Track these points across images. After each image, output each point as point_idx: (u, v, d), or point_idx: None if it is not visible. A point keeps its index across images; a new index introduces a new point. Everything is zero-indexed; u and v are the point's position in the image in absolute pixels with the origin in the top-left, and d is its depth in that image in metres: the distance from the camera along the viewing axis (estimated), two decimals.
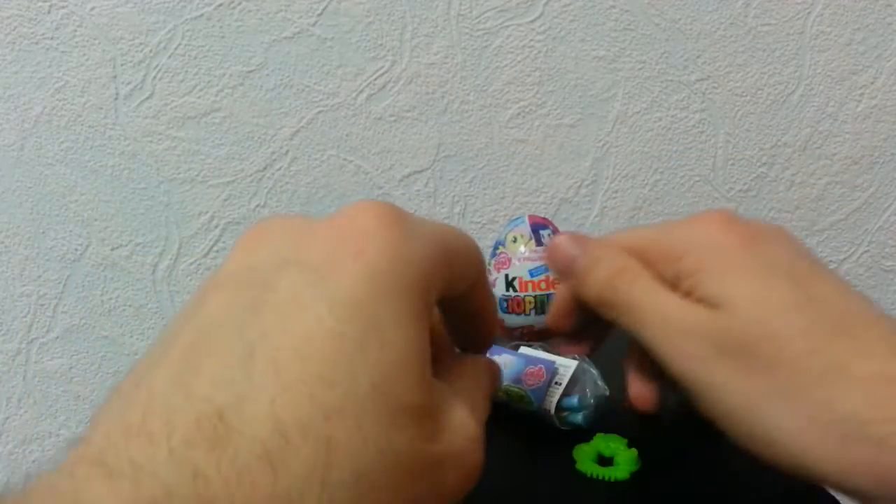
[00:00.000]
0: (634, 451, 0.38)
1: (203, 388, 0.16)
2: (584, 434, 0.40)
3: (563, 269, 0.29)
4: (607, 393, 0.42)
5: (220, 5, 0.68)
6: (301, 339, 0.17)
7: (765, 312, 0.23)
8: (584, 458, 0.38)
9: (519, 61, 0.71)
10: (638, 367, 0.30)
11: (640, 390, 0.30)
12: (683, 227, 0.27)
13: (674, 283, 0.26)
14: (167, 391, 0.16)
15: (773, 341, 0.23)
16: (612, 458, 0.38)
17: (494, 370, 0.26)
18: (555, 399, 0.41)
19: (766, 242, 0.25)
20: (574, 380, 0.42)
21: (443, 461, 0.18)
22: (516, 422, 0.43)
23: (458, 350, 0.27)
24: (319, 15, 0.69)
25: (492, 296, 0.26)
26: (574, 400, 0.41)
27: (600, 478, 0.36)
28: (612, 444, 0.39)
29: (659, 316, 0.25)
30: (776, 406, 0.22)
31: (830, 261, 0.78)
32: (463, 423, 0.20)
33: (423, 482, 0.17)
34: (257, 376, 0.16)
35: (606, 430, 0.40)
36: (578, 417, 0.41)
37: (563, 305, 0.31)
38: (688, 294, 0.25)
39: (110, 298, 0.73)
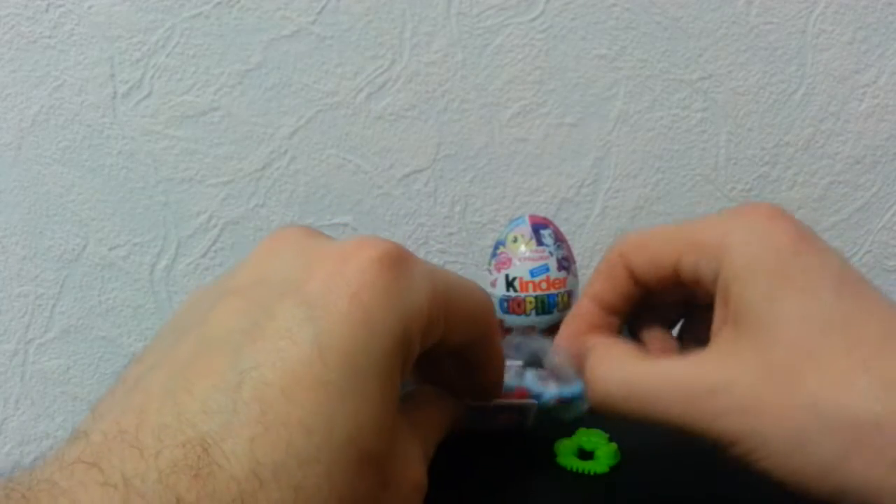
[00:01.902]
0: (615, 445, 0.39)
1: (192, 411, 0.16)
2: (566, 429, 0.41)
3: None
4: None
5: (219, 3, 0.68)
6: (289, 379, 0.17)
7: (810, 331, 0.22)
8: (566, 451, 0.39)
9: (519, 60, 0.71)
10: None
11: None
12: (725, 215, 0.26)
13: (703, 280, 0.25)
14: (161, 403, 0.17)
15: (817, 361, 0.21)
16: (592, 451, 0.38)
17: (451, 409, 0.27)
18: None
19: (816, 241, 0.24)
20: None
21: None
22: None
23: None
24: (318, 13, 0.69)
25: (499, 352, 0.26)
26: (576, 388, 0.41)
27: (580, 471, 0.37)
28: (593, 438, 0.39)
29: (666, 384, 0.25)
30: (826, 435, 0.21)
31: None
32: (416, 471, 0.20)
33: None
34: (242, 409, 0.16)
35: (589, 425, 0.41)
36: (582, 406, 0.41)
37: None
38: (724, 303, 0.24)
39: (108, 299, 0.73)
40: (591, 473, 0.37)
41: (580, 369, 0.28)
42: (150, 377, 0.18)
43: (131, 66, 0.68)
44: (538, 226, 0.59)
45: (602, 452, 0.38)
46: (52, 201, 0.71)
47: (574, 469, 0.38)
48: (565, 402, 0.41)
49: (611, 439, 0.39)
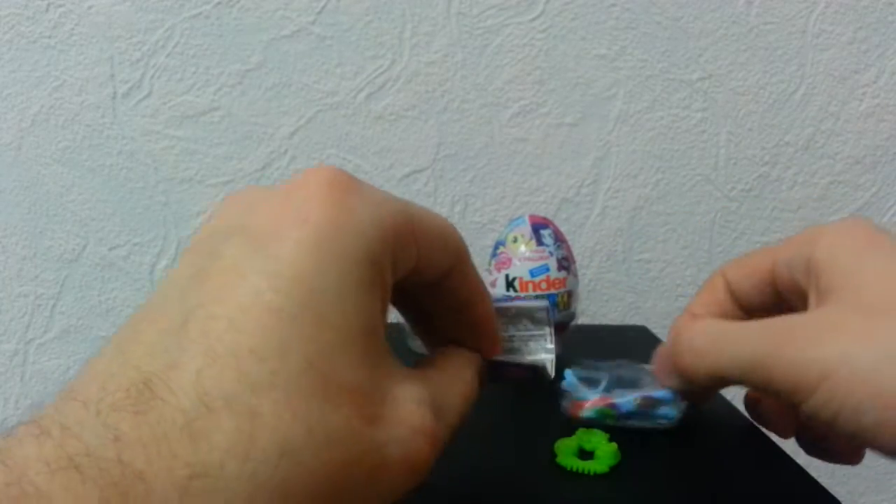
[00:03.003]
0: (615, 445, 0.39)
1: (137, 355, 0.16)
2: (567, 429, 0.41)
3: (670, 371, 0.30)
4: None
5: (219, 3, 0.67)
6: (237, 310, 0.16)
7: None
8: (566, 451, 0.38)
9: (519, 60, 0.71)
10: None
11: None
12: (813, 227, 0.28)
13: (796, 271, 0.26)
14: (110, 357, 0.16)
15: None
16: (592, 451, 0.39)
17: (476, 365, 0.24)
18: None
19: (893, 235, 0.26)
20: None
21: (383, 448, 0.17)
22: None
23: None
24: (318, 13, 0.69)
25: (481, 285, 0.24)
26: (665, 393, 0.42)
27: (580, 471, 0.37)
28: (593, 438, 0.39)
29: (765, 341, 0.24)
30: None
31: None
32: (412, 412, 0.19)
33: (358, 467, 0.17)
34: (188, 345, 0.16)
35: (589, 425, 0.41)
36: (672, 412, 0.41)
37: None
38: (816, 285, 0.25)
39: (108, 299, 0.73)
40: (591, 473, 0.37)
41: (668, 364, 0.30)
42: (108, 342, 0.17)
43: (131, 66, 0.68)
44: (538, 226, 0.59)
45: (602, 452, 0.38)
46: (52, 201, 0.71)
47: (574, 469, 0.37)
48: (650, 402, 0.42)
49: (611, 439, 0.39)
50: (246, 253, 0.17)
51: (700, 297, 0.31)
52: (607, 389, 0.43)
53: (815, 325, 0.23)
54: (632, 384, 0.43)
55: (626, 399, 0.42)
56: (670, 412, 0.42)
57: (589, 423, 0.41)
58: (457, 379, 0.23)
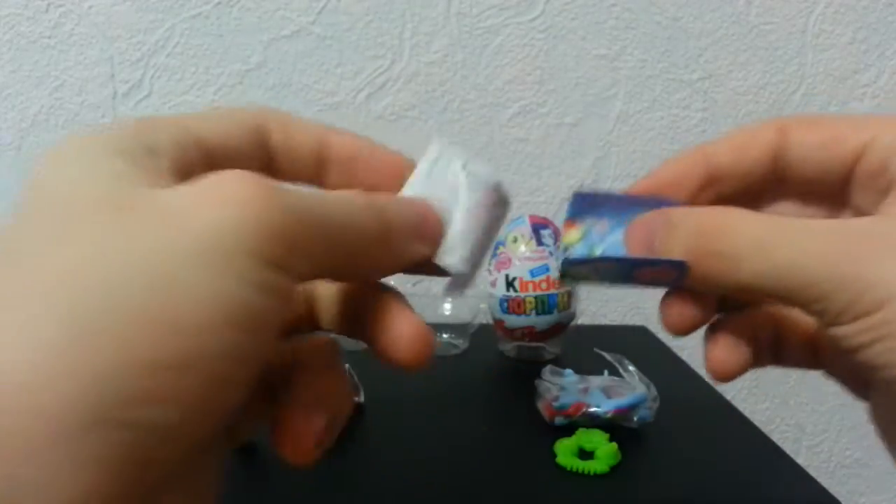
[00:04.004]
0: (615, 445, 0.39)
1: None
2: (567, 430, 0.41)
3: (648, 248, 0.22)
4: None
5: (219, 3, 0.67)
6: None
7: None
8: (565, 451, 0.38)
9: (519, 60, 0.71)
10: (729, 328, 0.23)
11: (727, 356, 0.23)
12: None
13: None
14: None
15: None
16: (592, 452, 0.39)
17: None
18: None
19: None
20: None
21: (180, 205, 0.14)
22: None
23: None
24: (319, 13, 0.69)
25: (401, 303, 0.19)
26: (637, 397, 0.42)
27: (579, 471, 0.37)
28: (593, 438, 0.39)
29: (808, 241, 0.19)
30: None
31: None
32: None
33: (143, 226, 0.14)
34: None
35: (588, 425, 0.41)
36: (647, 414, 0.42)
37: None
38: (886, 187, 0.21)
39: None
40: (591, 473, 0.37)
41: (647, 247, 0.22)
42: None
43: (131, 66, 0.68)
44: (538, 226, 0.59)
45: (602, 452, 0.38)
46: None
47: (574, 469, 0.37)
48: (622, 412, 0.42)
49: (611, 439, 0.39)
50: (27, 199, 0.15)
51: (658, 175, 0.23)
52: (582, 397, 0.43)
53: (884, 237, 0.19)
54: (607, 392, 0.44)
55: (600, 410, 0.42)
56: (644, 414, 0.42)
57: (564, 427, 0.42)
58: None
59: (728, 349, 0.22)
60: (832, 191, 0.23)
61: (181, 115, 0.18)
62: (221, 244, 0.14)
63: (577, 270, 0.23)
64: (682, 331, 0.22)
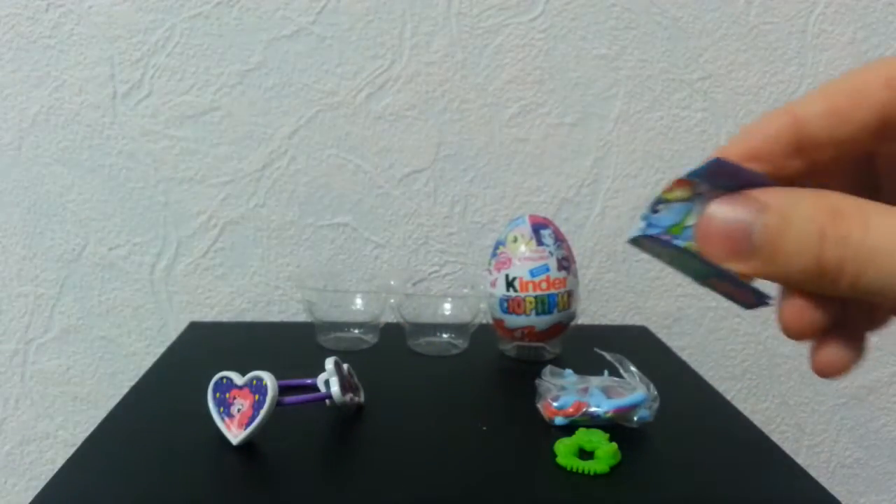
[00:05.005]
0: (615, 445, 0.39)
1: None
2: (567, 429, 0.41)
3: (734, 252, 0.18)
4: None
5: (219, 3, 0.68)
6: None
7: None
8: (565, 451, 0.39)
9: (519, 60, 0.71)
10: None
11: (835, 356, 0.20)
12: None
13: None
14: None
15: None
16: (592, 452, 0.39)
17: None
18: None
19: None
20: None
21: None
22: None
23: None
24: (319, 13, 0.69)
25: None
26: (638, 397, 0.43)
27: (579, 471, 0.37)
28: (593, 438, 0.39)
29: None
30: None
31: None
32: None
33: None
34: None
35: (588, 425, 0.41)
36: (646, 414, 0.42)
37: None
38: None
39: (108, 299, 0.73)
40: (591, 473, 0.37)
41: (737, 240, 0.18)
42: None
43: (131, 66, 0.68)
44: (538, 226, 0.59)
45: (602, 452, 0.38)
46: (52, 201, 0.70)
47: (574, 469, 0.37)
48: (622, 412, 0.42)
49: (611, 439, 0.39)
50: None
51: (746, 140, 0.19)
52: (582, 397, 0.43)
53: None
54: (607, 392, 0.44)
55: (600, 410, 0.42)
56: (644, 414, 0.43)
57: (564, 427, 0.42)
58: None
59: (838, 350, 0.20)
60: None
61: None
62: None
63: (650, 247, 0.20)
64: (801, 335, 0.19)
